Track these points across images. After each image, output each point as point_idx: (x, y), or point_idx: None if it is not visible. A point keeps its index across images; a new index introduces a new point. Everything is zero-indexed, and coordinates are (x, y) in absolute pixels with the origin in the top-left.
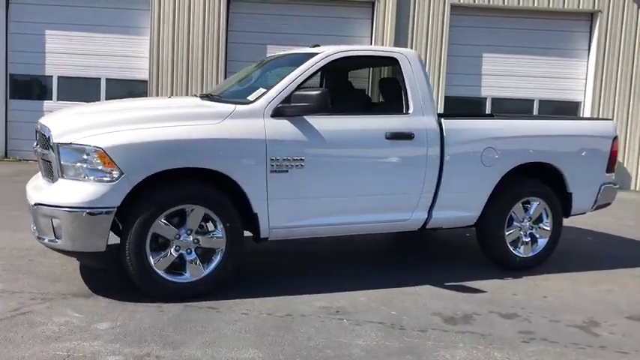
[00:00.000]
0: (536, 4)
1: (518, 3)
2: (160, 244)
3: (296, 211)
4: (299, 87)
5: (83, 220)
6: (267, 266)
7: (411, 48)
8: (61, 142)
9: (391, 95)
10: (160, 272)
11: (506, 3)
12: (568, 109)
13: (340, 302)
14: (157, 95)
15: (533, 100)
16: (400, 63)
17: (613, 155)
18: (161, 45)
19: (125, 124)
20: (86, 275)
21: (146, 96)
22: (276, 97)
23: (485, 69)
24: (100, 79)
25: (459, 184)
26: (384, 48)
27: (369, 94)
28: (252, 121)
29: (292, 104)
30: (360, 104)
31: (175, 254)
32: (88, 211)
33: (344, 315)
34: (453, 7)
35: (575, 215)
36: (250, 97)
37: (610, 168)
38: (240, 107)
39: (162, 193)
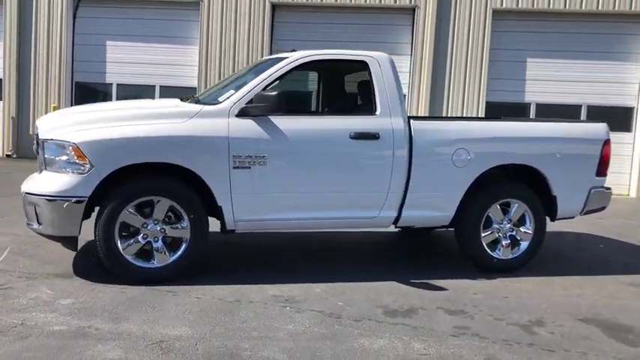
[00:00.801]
0: (584, 7)
1: (565, 6)
2: (132, 232)
3: (259, 205)
4: (265, 89)
5: (58, 208)
6: (239, 258)
7: (452, 53)
8: (45, 138)
9: (361, 97)
10: (128, 257)
11: (551, 6)
12: (619, 115)
13: (294, 292)
14: None
15: (581, 106)
16: (370, 66)
17: (604, 159)
18: (209, 54)
19: (100, 123)
20: (79, 260)
21: None
22: (242, 99)
23: (530, 74)
24: (154, 86)
25: (429, 185)
26: (354, 52)
27: (343, 96)
28: (216, 120)
29: (254, 105)
30: (331, 105)
31: (143, 242)
32: (61, 199)
33: (291, 303)
34: (495, 11)
35: (562, 219)
36: (220, 99)
37: (601, 172)
38: (206, 107)
39: (128, 186)
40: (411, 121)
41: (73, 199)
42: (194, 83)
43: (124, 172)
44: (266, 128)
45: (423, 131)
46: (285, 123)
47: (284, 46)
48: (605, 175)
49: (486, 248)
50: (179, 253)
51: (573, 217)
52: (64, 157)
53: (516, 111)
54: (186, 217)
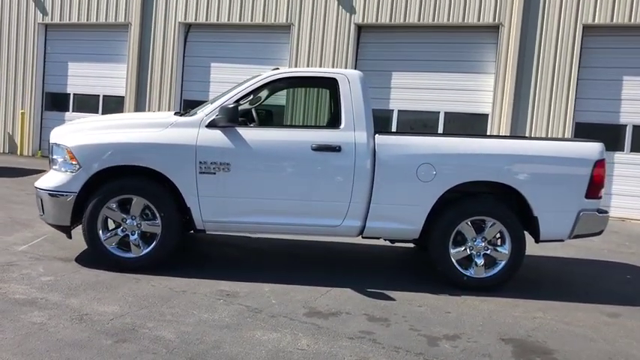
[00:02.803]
0: None
1: None
2: (116, 225)
3: (224, 208)
4: (238, 102)
5: (55, 200)
6: (224, 256)
7: (537, 71)
8: (52, 142)
9: (328, 112)
10: (108, 247)
11: None
12: None
13: (242, 289)
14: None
15: None
16: (339, 83)
17: (595, 180)
18: None
19: (93, 130)
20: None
21: None
22: (213, 111)
23: (626, 93)
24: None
25: (393, 197)
26: (325, 70)
27: (310, 111)
28: (187, 130)
29: (218, 116)
30: (296, 119)
31: (121, 234)
32: (57, 193)
33: (227, 297)
34: (586, 27)
35: (549, 241)
36: (198, 111)
37: (591, 194)
38: (181, 119)
39: (108, 185)
40: (377, 135)
41: (65, 194)
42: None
43: (113, 173)
44: (231, 138)
45: (386, 145)
46: (251, 134)
47: (367, 65)
48: (597, 197)
49: (456, 265)
50: (151, 246)
51: (563, 240)
52: (62, 159)
53: (610, 132)
54: (158, 214)
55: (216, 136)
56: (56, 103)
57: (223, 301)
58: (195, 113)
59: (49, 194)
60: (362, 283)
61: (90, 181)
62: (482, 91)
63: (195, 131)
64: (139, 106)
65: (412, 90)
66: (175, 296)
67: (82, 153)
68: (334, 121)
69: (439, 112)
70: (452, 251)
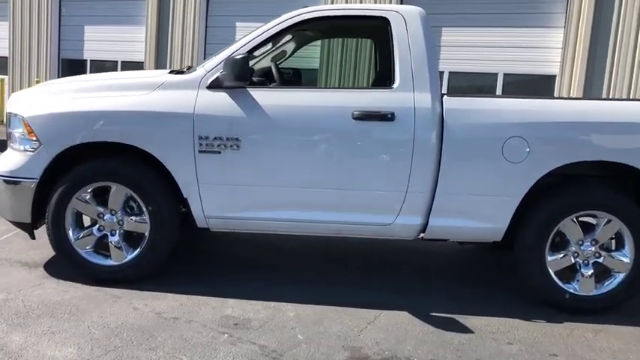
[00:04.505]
0: None
1: None
2: (93, 222)
3: (234, 200)
4: (249, 53)
5: (9, 189)
6: (238, 260)
7: (617, 26)
8: (7, 110)
9: (376, 66)
10: (81, 251)
11: None
12: None
13: (253, 314)
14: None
15: None
16: (391, 24)
17: None
18: None
19: (58, 95)
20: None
21: None
22: (217, 66)
23: None
24: None
25: (467, 184)
26: (372, 6)
27: (350, 76)
28: (182, 93)
29: (223, 73)
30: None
31: (98, 234)
32: (11, 179)
33: (235, 329)
34: None
35: None
36: (198, 67)
37: None
38: (173, 77)
39: (77, 169)
40: (445, 97)
41: (23, 181)
42: None
43: (87, 151)
44: (242, 103)
45: (459, 111)
46: (269, 97)
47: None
48: None
49: (554, 277)
50: (137, 251)
51: None
52: (19, 133)
53: None
54: (145, 208)
55: (222, 101)
56: (73, 70)
57: (228, 336)
58: (195, 70)
59: (4, 181)
60: (421, 301)
61: (55, 162)
62: (549, 48)
63: (192, 94)
64: None
65: (466, 49)
66: (162, 327)
67: (41, 125)
68: (384, 80)
69: (497, 74)
70: (549, 259)
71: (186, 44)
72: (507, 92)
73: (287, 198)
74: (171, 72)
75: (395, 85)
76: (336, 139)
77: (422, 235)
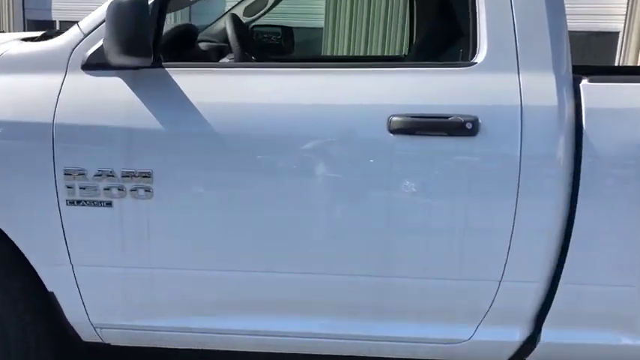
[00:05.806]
0: None
1: None
2: None
3: (147, 294)
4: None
5: None
6: None
7: None
8: None
9: (442, 29)
10: None
11: None
12: None
13: None
14: None
15: None
16: None
17: None
18: None
19: None
20: None
21: None
22: (98, 26)
23: None
24: None
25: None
26: None
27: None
28: (31, 81)
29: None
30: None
31: None
32: None
33: None
34: None
35: None
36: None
37: None
38: (15, 49)
39: None
40: (584, 84)
41: None
42: None
43: None
44: (158, 100)
45: (610, 112)
46: (217, 88)
47: None
48: None
49: None
50: None
51: None
52: None
53: None
54: None
55: (113, 97)
56: None
57: None
58: (63, 34)
59: None
60: None
61: None
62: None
63: (53, 83)
64: None
65: None
66: None
67: None
68: (456, 50)
69: None
70: None
71: None
72: None
73: (262, 293)
74: (26, 39)
75: (479, 59)
76: (357, 176)
77: None
